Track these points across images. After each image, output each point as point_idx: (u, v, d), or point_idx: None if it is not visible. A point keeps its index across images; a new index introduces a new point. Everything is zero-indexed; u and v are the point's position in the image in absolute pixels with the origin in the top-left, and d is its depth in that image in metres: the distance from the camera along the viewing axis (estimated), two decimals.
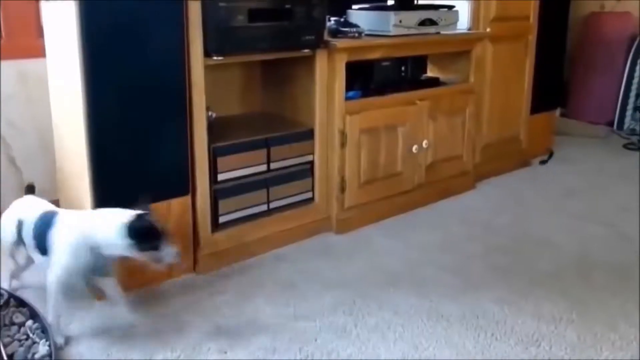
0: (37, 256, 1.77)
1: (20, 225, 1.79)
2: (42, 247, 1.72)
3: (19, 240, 1.81)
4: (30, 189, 1.95)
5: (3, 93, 2.49)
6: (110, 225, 1.64)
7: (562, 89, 3.92)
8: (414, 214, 2.74)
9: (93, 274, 1.75)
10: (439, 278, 2.16)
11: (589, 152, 3.72)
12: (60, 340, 1.72)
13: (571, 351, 1.75)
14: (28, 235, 1.77)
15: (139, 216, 1.64)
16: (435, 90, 2.82)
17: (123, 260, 1.73)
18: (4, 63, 2.47)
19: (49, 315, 1.74)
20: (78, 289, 1.82)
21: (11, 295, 1.90)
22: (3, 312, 1.82)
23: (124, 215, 1.65)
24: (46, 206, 1.83)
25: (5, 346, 1.65)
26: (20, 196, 1.87)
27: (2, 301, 1.86)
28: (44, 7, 2.15)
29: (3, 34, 2.50)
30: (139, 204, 1.68)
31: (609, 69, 4.17)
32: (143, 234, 1.62)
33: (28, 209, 1.82)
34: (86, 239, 1.66)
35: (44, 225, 1.73)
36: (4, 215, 1.87)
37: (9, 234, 1.84)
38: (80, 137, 1.89)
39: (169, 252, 1.65)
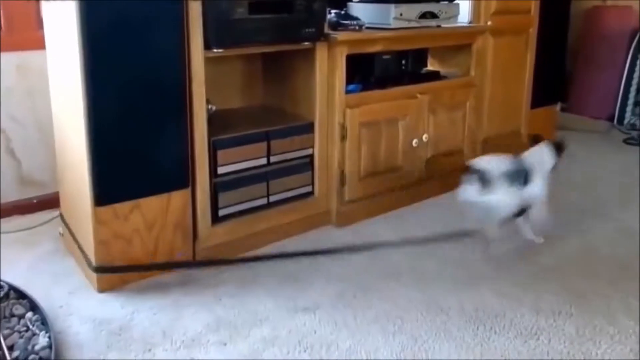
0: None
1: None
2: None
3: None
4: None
5: (3, 85, 2.49)
6: (547, 153, 2.35)
7: (563, 83, 3.91)
8: (414, 207, 2.74)
9: None
10: (438, 271, 2.16)
11: (589, 146, 3.71)
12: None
13: (570, 344, 1.75)
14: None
15: (559, 142, 2.41)
16: (435, 84, 2.81)
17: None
18: (4, 55, 2.47)
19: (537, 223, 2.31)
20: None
21: (11, 287, 1.90)
22: (3, 304, 1.82)
23: (549, 144, 2.38)
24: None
25: (5, 338, 1.66)
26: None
27: (2, 293, 1.87)
28: (44, 2, 2.14)
29: (3, 26, 2.49)
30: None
31: (610, 64, 4.16)
32: (562, 150, 2.39)
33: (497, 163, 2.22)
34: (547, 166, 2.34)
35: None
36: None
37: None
38: (80, 130, 1.89)
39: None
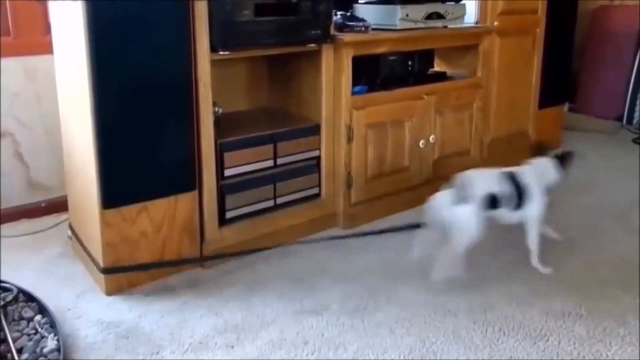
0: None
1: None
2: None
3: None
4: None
5: (11, 90, 2.50)
6: (550, 167, 2.13)
7: (571, 84, 3.89)
8: (421, 209, 2.72)
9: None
10: (446, 273, 2.14)
11: (597, 146, 3.69)
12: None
13: (580, 346, 1.74)
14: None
15: (565, 153, 2.17)
16: (442, 85, 2.80)
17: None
18: (13, 60, 2.48)
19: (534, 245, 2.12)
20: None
21: (20, 290, 1.91)
22: (12, 307, 1.83)
23: (552, 156, 2.16)
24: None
25: (14, 340, 1.67)
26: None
27: (11, 296, 1.87)
28: (51, 3, 2.15)
29: (11, 31, 2.50)
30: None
31: (618, 63, 4.14)
32: (569, 164, 2.16)
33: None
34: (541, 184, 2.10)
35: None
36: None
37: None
38: (88, 133, 1.90)
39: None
